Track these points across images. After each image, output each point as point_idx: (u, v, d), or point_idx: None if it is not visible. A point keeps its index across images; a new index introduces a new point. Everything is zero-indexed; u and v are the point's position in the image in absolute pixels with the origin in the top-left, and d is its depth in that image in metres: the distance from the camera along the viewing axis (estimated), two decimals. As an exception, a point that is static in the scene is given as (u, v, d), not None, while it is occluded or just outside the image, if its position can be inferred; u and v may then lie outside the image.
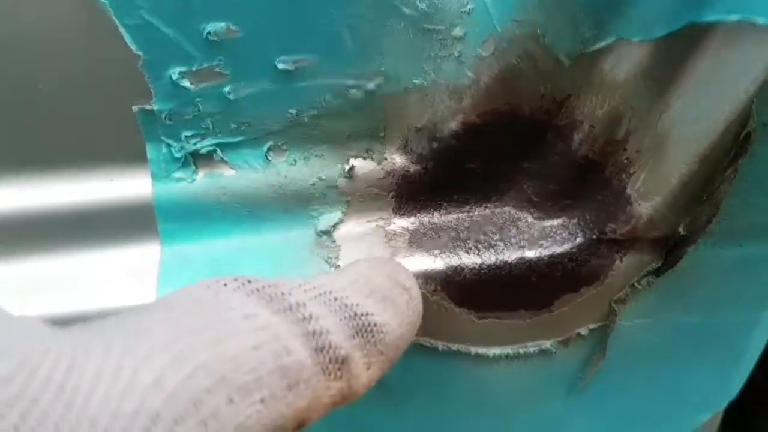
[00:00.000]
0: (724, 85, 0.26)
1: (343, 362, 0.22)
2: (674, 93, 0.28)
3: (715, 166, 0.28)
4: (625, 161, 0.31)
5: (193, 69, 0.30)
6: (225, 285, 0.22)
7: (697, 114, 0.27)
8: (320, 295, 0.23)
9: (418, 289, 0.28)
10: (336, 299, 0.23)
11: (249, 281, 0.22)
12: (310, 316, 0.22)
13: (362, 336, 0.23)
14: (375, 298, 0.25)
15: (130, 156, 0.33)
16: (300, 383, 0.20)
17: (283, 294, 0.22)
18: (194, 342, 0.18)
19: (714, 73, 0.26)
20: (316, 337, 0.22)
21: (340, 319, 0.23)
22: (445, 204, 0.35)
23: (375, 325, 0.24)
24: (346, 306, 0.24)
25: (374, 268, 0.27)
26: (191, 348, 0.18)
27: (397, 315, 0.25)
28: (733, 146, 0.27)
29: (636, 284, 0.34)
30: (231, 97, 0.31)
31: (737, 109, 0.26)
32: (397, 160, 0.34)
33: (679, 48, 0.27)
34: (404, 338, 0.26)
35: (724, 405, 0.43)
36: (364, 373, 0.23)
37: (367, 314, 0.24)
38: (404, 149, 0.33)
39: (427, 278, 0.34)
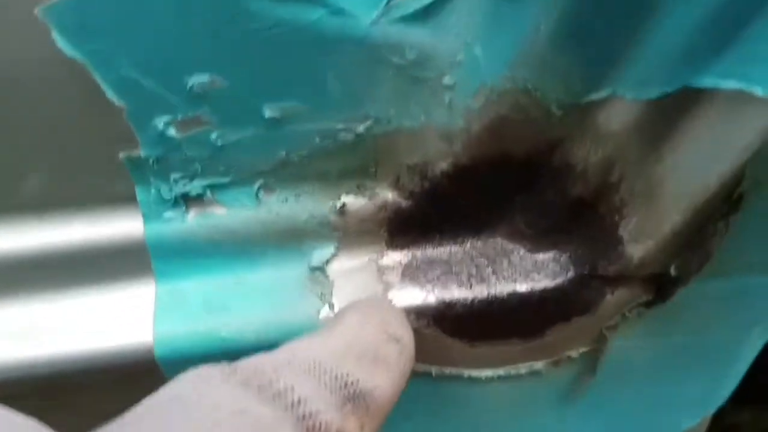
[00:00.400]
0: (718, 150, 0.26)
1: None
2: (667, 147, 0.28)
3: (707, 219, 0.28)
4: (618, 203, 0.31)
5: (179, 118, 0.29)
6: (210, 379, 0.22)
7: (690, 171, 0.27)
8: (308, 370, 0.23)
9: (410, 335, 0.28)
10: (325, 372, 0.24)
11: (234, 371, 0.22)
12: (299, 401, 0.22)
13: (353, 403, 0.24)
14: (365, 362, 0.25)
15: (123, 197, 0.33)
16: None
17: (270, 381, 0.22)
18: None
19: (708, 137, 0.26)
20: (307, 420, 0.22)
21: (331, 392, 0.23)
22: (437, 237, 0.34)
23: (366, 391, 0.24)
24: (336, 378, 0.24)
25: (364, 322, 0.27)
26: None
27: (389, 373, 0.26)
28: (725, 203, 0.27)
29: (626, 314, 0.34)
30: (218, 143, 0.30)
31: (731, 173, 0.26)
32: (389, 195, 0.33)
33: (674, 108, 0.26)
34: (396, 392, 0.26)
35: (713, 410, 0.44)
36: None
37: (358, 382, 0.24)
38: (396, 185, 0.33)
39: (419, 313, 0.34)
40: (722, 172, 0.26)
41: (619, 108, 0.27)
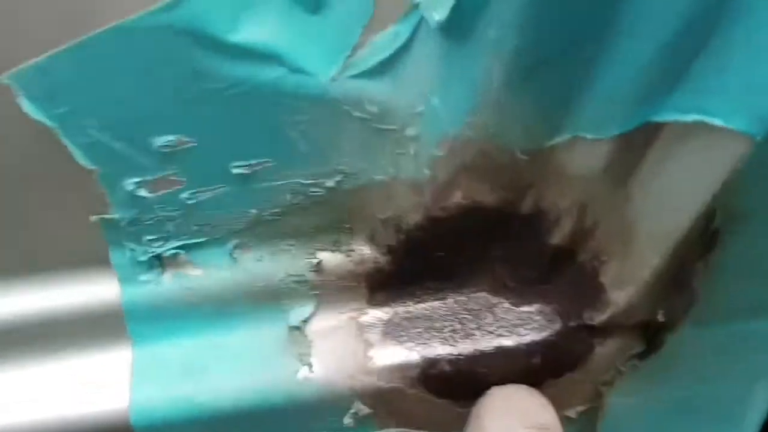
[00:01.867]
0: (685, 184, 0.25)
1: None
2: (635, 186, 0.27)
3: (685, 259, 0.27)
4: (596, 248, 0.30)
5: (149, 179, 0.29)
6: None
7: (660, 209, 0.26)
8: None
9: (553, 415, 0.28)
10: None
11: None
12: None
13: None
14: None
15: (97, 261, 0.33)
16: None
17: None
18: None
19: (673, 172, 0.25)
20: None
21: None
22: (418, 292, 0.34)
23: None
24: None
25: (508, 424, 0.27)
26: None
27: None
28: (701, 240, 0.26)
29: (620, 367, 0.33)
30: (189, 202, 0.30)
31: (701, 206, 0.25)
32: (366, 251, 0.33)
33: (638, 144, 0.25)
34: None
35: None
36: None
37: None
38: (372, 241, 0.32)
39: (403, 372, 0.33)
40: (692, 207, 0.25)
41: (583, 149, 0.26)
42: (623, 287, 0.29)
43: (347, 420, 0.33)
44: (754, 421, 0.38)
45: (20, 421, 0.33)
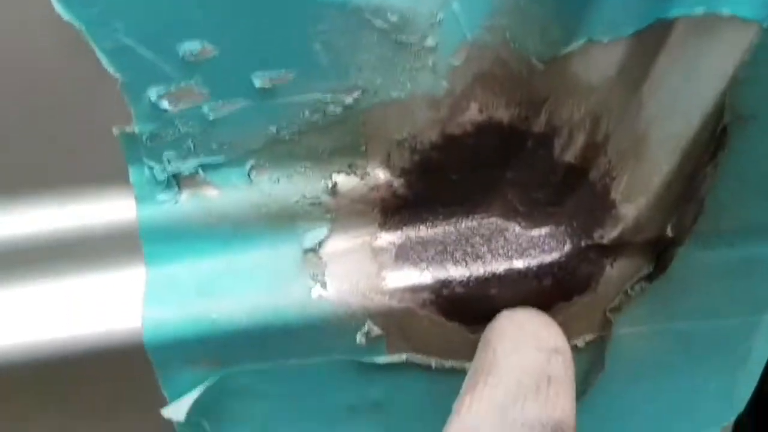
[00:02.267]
0: (696, 81, 0.26)
1: None
2: (648, 91, 0.28)
3: (695, 162, 0.28)
4: (607, 165, 0.31)
5: (172, 89, 0.30)
6: None
7: (672, 111, 0.27)
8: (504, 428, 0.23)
9: (564, 339, 0.28)
10: (523, 424, 0.24)
11: None
12: None
13: None
14: (543, 391, 0.25)
15: (113, 179, 0.33)
16: None
17: None
18: None
19: (684, 69, 0.26)
20: None
21: None
22: (430, 217, 0.34)
23: (560, 422, 0.24)
24: (532, 427, 0.24)
25: (519, 346, 0.27)
26: None
27: (568, 390, 0.26)
28: (711, 141, 0.27)
29: (629, 291, 0.33)
30: (210, 117, 0.31)
31: (711, 104, 0.26)
32: (381, 174, 0.33)
33: (650, 46, 0.26)
34: (574, 392, 0.26)
35: (731, 418, 0.42)
36: None
37: (550, 415, 0.24)
38: (387, 163, 0.33)
39: (415, 292, 0.33)
40: (703, 105, 0.26)
41: (598, 55, 0.27)
42: (634, 201, 0.30)
43: (359, 338, 0.33)
44: (761, 358, 0.39)
45: (33, 340, 0.33)
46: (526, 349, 0.27)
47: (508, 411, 0.24)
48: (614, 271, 0.33)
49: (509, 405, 0.24)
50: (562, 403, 0.24)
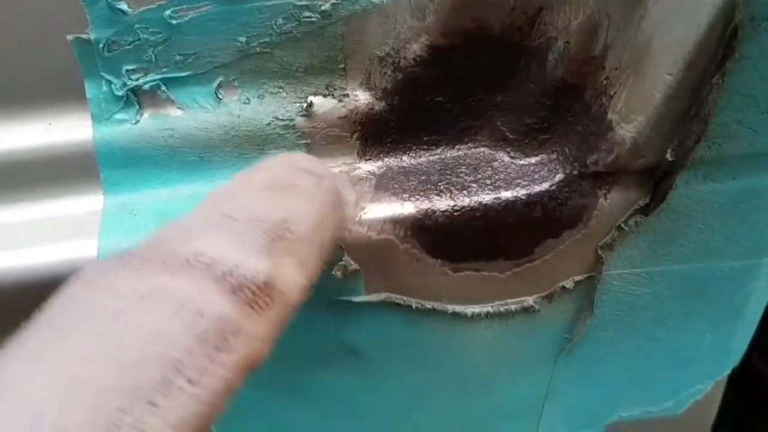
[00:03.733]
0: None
1: (266, 285, 0.20)
2: (653, -6, 0.26)
3: (701, 72, 0.25)
4: (605, 81, 0.28)
5: (131, -12, 0.27)
6: (105, 271, 0.19)
7: (678, 14, 0.25)
8: (213, 224, 0.21)
9: (326, 170, 0.25)
10: (232, 219, 0.21)
11: (132, 253, 0.19)
12: (212, 261, 0.19)
13: (277, 241, 0.21)
14: (272, 191, 0.22)
15: (68, 97, 0.30)
16: (228, 337, 0.18)
17: (175, 251, 0.19)
18: (89, 361, 0.16)
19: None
20: (229, 278, 0.19)
21: (246, 238, 0.20)
22: (413, 146, 0.32)
23: (283, 221, 0.21)
24: (246, 221, 0.21)
25: (264, 165, 0.24)
26: (86, 370, 0.16)
27: (308, 199, 0.23)
28: (719, 47, 0.25)
29: (623, 226, 0.31)
30: (173, 22, 0.28)
31: (720, 1, 0.24)
32: (360, 96, 0.31)
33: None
34: (328, 219, 0.23)
35: (725, 372, 0.40)
36: (297, 277, 0.21)
37: (271, 213, 0.21)
38: (367, 84, 0.31)
39: (396, 223, 0.31)
40: (711, 4, 0.23)
41: (599, -48, 0.25)
42: (632, 120, 0.28)
43: (335, 271, 0.30)
44: (759, 307, 0.37)
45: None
46: (271, 166, 0.24)
47: (219, 203, 0.22)
48: (608, 202, 0.30)
49: (223, 199, 0.22)
50: (298, 205, 0.22)
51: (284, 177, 0.23)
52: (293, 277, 0.21)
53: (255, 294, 0.19)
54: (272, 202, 0.22)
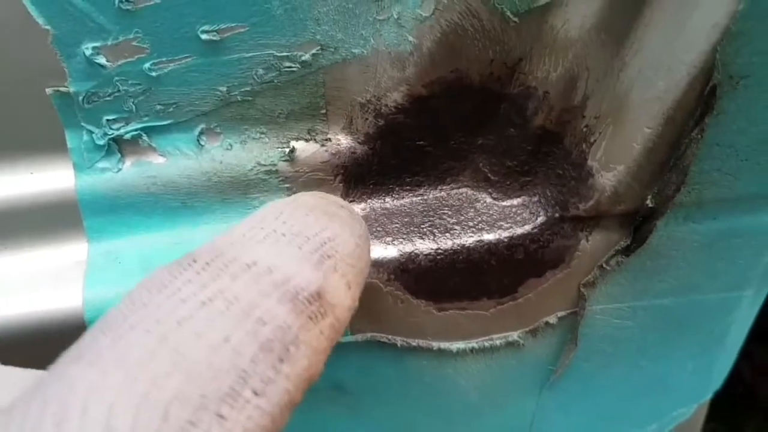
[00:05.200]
0: (684, 35, 0.24)
1: (319, 295, 0.20)
2: (631, 48, 0.26)
3: (680, 127, 0.26)
4: (585, 129, 0.29)
5: (109, 43, 0.27)
6: (165, 276, 0.19)
7: (657, 70, 0.25)
8: (267, 236, 0.21)
9: (352, 207, 0.26)
10: (283, 234, 0.21)
11: (193, 259, 0.20)
12: (269, 269, 0.20)
13: (326, 258, 0.21)
14: (316, 214, 0.23)
15: (50, 146, 0.30)
16: (290, 348, 0.18)
17: (234, 258, 0.20)
18: (157, 371, 0.16)
19: (672, 23, 0.24)
20: (285, 286, 0.19)
21: (295, 249, 0.21)
22: (396, 187, 0.32)
23: (330, 240, 0.22)
24: (296, 235, 0.21)
25: (302, 196, 0.25)
26: (156, 381, 0.16)
27: (345, 225, 0.23)
28: (698, 104, 0.25)
29: (604, 265, 0.31)
30: (153, 74, 0.28)
31: (700, 62, 0.24)
32: (342, 140, 0.31)
33: (631, 2, 0.24)
34: (362, 249, 0.24)
35: (708, 396, 0.40)
36: (345, 294, 0.21)
37: (317, 233, 0.22)
38: (349, 128, 0.31)
39: (379, 267, 0.31)
40: (690, 61, 0.24)
41: (577, 8, 0.25)
42: (612, 168, 0.28)
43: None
44: (740, 336, 0.37)
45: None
46: (307, 198, 0.25)
47: (266, 219, 0.22)
48: (589, 244, 0.31)
49: (270, 216, 0.22)
50: (337, 229, 0.23)
51: (323, 205, 0.24)
52: (343, 293, 0.21)
53: (311, 304, 0.19)
54: (317, 222, 0.22)
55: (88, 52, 0.27)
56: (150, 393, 0.15)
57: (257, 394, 0.17)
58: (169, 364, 0.16)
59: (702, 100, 0.25)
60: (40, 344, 0.31)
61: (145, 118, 0.29)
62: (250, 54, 0.28)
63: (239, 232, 0.22)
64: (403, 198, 0.32)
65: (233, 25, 0.27)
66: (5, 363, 0.31)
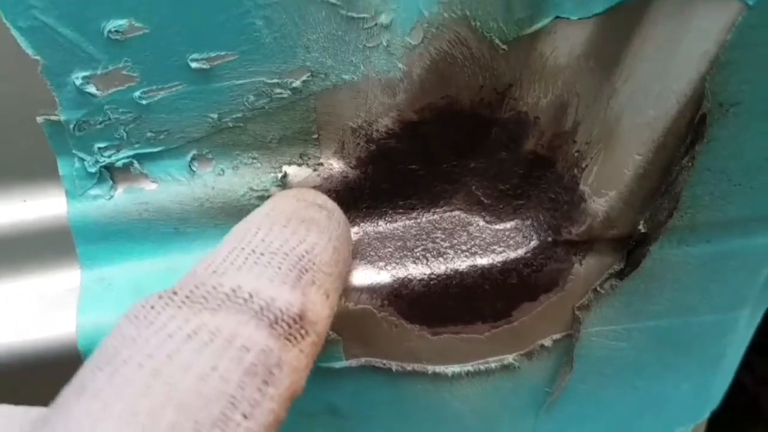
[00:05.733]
0: (673, 64, 0.24)
1: (300, 317, 0.21)
2: (620, 76, 0.26)
3: (671, 154, 0.26)
4: (576, 154, 0.28)
5: (99, 72, 0.27)
6: (149, 311, 0.20)
7: (647, 98, 0.25)
8: (244, 262, 0.22)
9: (333, 204, 0.27)
10: (261, 255, 0.22)
11: (173, 292, 0.20)
12: (249, 296, 0.20)
13: (304, 272, 0.22)
14: (293, 225, 0.23)
15: (42, 174, 0.30)
16: (273, 370, 0.19)
17: (214, 287, 0.20)
18: (153, 403, 0.17)
19: (661, 51, 0.24)
20: (266, 313, 0.20)
21: (277, 271, 0.21)
22: (389, 211, 0.32)
23: (307, 253, 0.22)
24: (273, 254, 0.22)
25: (279, 199, 0.26)
26: (152, 413, 0.17)
27: (322, 232, 0.24)
28: (688, 131, 0.25)
29: (599, 288, 0.31)
30: (143, 102, 0.28)
31: (690, 90, 0.24)
32: (334, 164, 0.31)
33: (622, 25, 0.24)
34: (340, 252, 0.24)
35: (705, 416, 0.40)
36: (323, 306, 0.22)
37: (295, 247, 0.22)
38: (341, 153, 0.31)
39: (373, 292, 0.31)
40: (680, 90, 0.24)
41: (566, 36, 0.25)
42: (604, 194, 0.28)
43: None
44: (736, 356, 0.37)
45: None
46: (284, 201, 0.25)
47: (245, 239, 0.23)
48: (583, 268, 0.31)
49: (249, 234, 0.23)
50: (314, 238, 0.23)
51: (301, 211, 0.24)
52: (321, 306, 0.22)
53: (291, 327, 0.20)
54: (294, 235, 0.23)
55: (78, 82, 0.27)
56: (148, 425, 0.16)
57: (246, 417, 0.17)
58: (163, 396, 0.17)
59: (692, 127, 0.24)
60: (32, 371, 0.31)
61: (136, 145, 0.29)
62: (240, 81, 0.28)
63: (221, 257, 0.22)
64: (395, 221, 0.32)
65: (223, 53, 0.27)
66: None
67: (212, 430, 0.17)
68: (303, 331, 0.21)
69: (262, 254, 0.22)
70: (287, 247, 0.22)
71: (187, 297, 0.20)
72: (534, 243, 0.31)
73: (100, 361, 0.19)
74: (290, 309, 0.20)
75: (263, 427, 0.18)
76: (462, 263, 0.31)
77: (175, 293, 0.20)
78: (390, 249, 0.32)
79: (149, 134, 0.29)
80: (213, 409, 0.17)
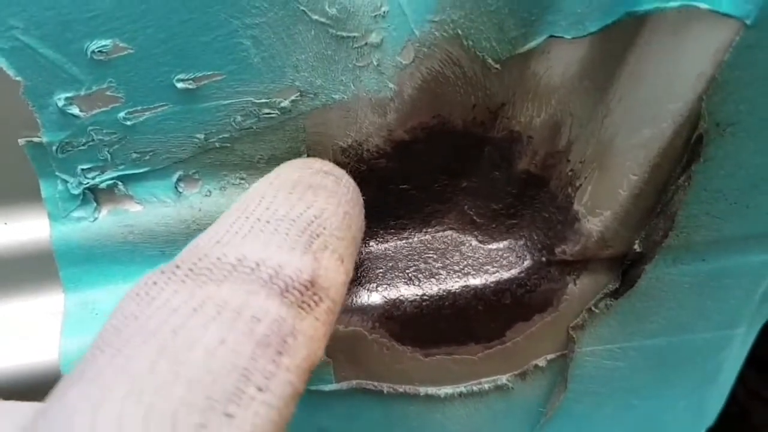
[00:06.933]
0: (670, 84, 0.23)
1: (311, 283, 0.20)
2: (615, 95, 0.25)
3: (667, 174, 0.25)
4: (570, 174, 0.28)
5: (82, 93, 0.26)
6: (153, 286, 0.19)
7: (642, 118, 0.24)
8: (249, 230, 0.21)
9: (341, 170, 0.26)
10: (267, 222, 0.21)
11: (176, 265, 0.19)
12: (257, 265, 0.19)
13: (315, 238, 0.21)
14: (299, 191, 0.23)
15: (25, 196, 0.29)
16: (287, 339, 0.18)
17: (219, 259, 0.19)
18: (161, 381, 0.16)
19: (657, 71, 0.24)
20: (276, 281, 0.19)
21: (284, 238, 0.20)
22: (380, 231, 0.31)
23: (316, 217, 0.21)
24: (280, 220, 0.21)
25: (284, 168, 0.25)
26: (161, 391, 0.16)
27: (331, 196, 0.23)
28: (684, 151, 0.24)
29: (593, 308, 0.31)
30: (128, 123, 0.27)
31: (686, 110, 0.23)
32: (324, 184, 0.30)
33: (617, 44, 0.24)
34: (351, 216, 0.23)
35: (701, 432, 0.40)
36: (338, 271, 0.21)
37: (302, 213, 0.21)
38: (331, 173, 0.30)
39: (363, 314, 0.30)
40: (676, 110, 0.23)
41: (560, 55, 0.25)
42: (598, 213, 0.27)
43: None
44: (732, 373, 0.37)
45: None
46: (290, 170, 0.25)
47: (249, 208, 0.22)
48: (577, 287, 0.30)
49: (252, 203, 0.22)
50: (322, 202, 0.22)
51: (307, 178, 0.23)
52: (335, 271, 0.21)
53: (302, 294, 0.19)
54: (301, 201, 0.22)
55: (60, 103, 0.26)
56: (156, 403, 0.15)
57: (261, 389, 0.17)
58: (170, 373, 0.16)
59: (689, 147, 0.24)
60: (15, 397, 0.30)
61: (121, 167, 0.29)
62: (227, 101, 0.27)
63: (224, 228, 0.21)
64: (387, 242, 0.31)
65: (209, 73, 0.26)
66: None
67: (226, 405, 0.16)
68: (316, 298, 0.20)
69: (267, 222, 0.21)
70: (294, 213, 0.21)
71: (191, 270, 0.19)
72: (528, 263, 0.30)
73: (101, 343, 0.18)
74: (300, 276, 0.19)
75: (281, 400, 0.17)
76: (454, 284, 0.30)
77: (177, 267, 0.19)
78: (381, 270, 0.31)
79: (134, 155, 0.28)
80: (225, 384, 0.16)
